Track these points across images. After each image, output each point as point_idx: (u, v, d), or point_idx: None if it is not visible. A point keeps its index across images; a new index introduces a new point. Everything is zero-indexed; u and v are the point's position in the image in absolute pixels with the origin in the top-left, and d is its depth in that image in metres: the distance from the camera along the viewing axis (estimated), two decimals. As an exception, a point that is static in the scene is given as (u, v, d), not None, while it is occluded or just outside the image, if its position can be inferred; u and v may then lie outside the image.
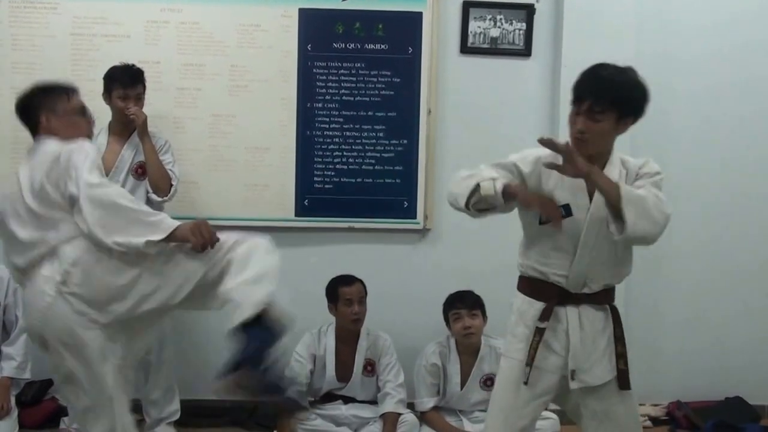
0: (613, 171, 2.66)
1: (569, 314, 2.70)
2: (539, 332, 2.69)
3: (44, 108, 2.81)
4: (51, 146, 2.71)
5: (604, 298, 2.73)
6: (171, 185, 4.04)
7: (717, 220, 4.72)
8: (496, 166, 2.66)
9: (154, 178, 3.98)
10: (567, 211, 2.64)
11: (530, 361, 2.69)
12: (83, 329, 2.62)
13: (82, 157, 2.62)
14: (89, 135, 2.91)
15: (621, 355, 2.72)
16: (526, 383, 2.70)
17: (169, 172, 4.02)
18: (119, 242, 2.55)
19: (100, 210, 2.56)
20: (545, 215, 2.61)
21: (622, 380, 2.71)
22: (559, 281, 2.70)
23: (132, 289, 2.61)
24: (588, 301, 2.70)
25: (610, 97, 2.55)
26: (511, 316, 2.85)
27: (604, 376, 2.70)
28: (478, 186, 2.54)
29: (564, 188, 2.66)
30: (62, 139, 2.73)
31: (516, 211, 2.78)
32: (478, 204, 2.58)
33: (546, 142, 2.51)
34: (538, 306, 2.73)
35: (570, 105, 2.64)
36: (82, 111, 2.88)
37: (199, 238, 2.60)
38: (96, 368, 2.66)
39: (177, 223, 2.64)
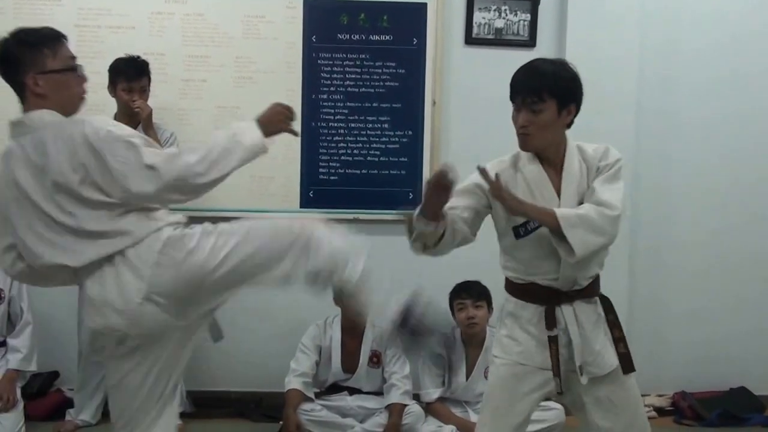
0: (572, 164, 2.64)
1: (565, 313, 2.68)
2: (553, 341, 2.66)
3: (30, 66, 2.38)
4: (60, 125, 2.37)
5: (592, 290, 2.72)
6: None
7: (720, 211, 4.73)
8: (457, 195, 2.62)
9: None
10: (525, 230, 2.63)
11: (556, 371, 2.66)
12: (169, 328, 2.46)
13: (121, 144, 2.32)
14: (82, 96, 2.51)
15: (619, 340, 2.71)
16: (561, 393, 2.69)
17: None
18: (223, 174, 2.48)
19: (182, 181, 2.38)
20: (507, 205, 2.55)
21: (626, 363, 2.70)
22: (550, 283, 2.68)
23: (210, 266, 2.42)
24: (580, 296, 2.69)
25: (546, 86, 2.55)
26: (503, 318, 2.81)
27: (611, 363, 2.69)
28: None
29: (533, 194, 2.65)
30: (54, 104, 2.39)
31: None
32: (415, 240, 2.67)
33: (481, 172, 2.53)
34: (532, 308, 2.71)
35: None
36: (73, 67, 2.47)
37: (281, 117, 2.62)
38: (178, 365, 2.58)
39: (251, 124, 2.58)
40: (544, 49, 4.50)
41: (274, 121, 2.64)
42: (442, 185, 2.46)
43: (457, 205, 2.65)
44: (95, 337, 2.47)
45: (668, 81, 4.64)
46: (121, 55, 4.03)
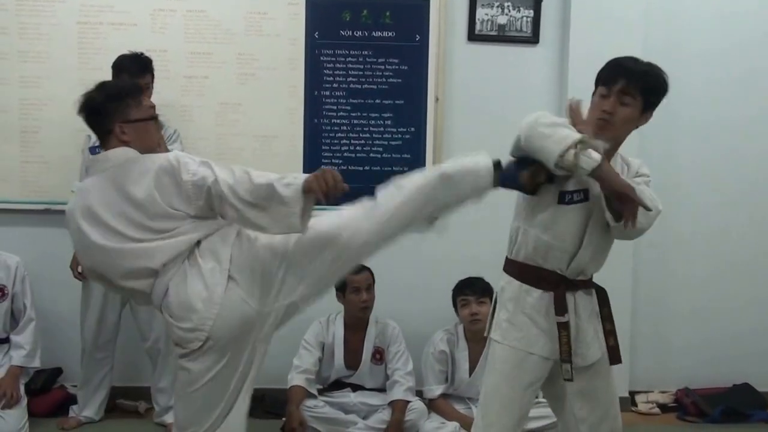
0: (615, 163, 2.65)
1: (568, 301, 2.68)
2: (563, 327, 2.65)
3: (118, 116, 2.63)
4: (140, 161, 2.59)
5: (591, 281, 2.76)
6: None
7: (723, 210, 4.73)
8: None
9: None
10: (586, 196, 2.61)
11: (567, 358, 2.65)
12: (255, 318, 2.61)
13: (193, 171, 2.54)
14: (159, 142, 2.81)
15: (610, 332, 2.73)
16: (570, 380, 2.67)
17: None
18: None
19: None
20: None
21: (614, 355, 2.74)
22: (556, 268, 2.67)
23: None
24: (583, 286, 2.71)
25: (644, 82, 2.57)
26: (503, 302, 2.76)
27: (594, 355, 2.72)
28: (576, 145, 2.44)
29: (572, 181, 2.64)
30: (136, 148, 2.63)
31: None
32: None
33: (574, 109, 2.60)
34: (538, 294, 2.69)
35: (596, 87, 2.63)
36: (154, 115, 2.76)
37: (323, 186, 2.60)
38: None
39: (300, 184, 2.59)
40: (547, 46, 4.51)
41: (314, 186, 2.64)
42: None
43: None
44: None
45: (672, 81, 4.60)
46: (124, 52, 4.01)
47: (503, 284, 2.79)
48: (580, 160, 2.41)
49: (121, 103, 2.63)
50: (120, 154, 2.61)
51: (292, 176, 2.59)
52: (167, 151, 2.80)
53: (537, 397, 2.97)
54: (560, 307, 2.65)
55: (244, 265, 2.56)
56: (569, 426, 2.80)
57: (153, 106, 2.77)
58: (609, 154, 2.57)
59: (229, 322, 2.53)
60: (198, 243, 2.56)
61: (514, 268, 2.76)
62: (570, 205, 2.62)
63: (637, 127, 2.65)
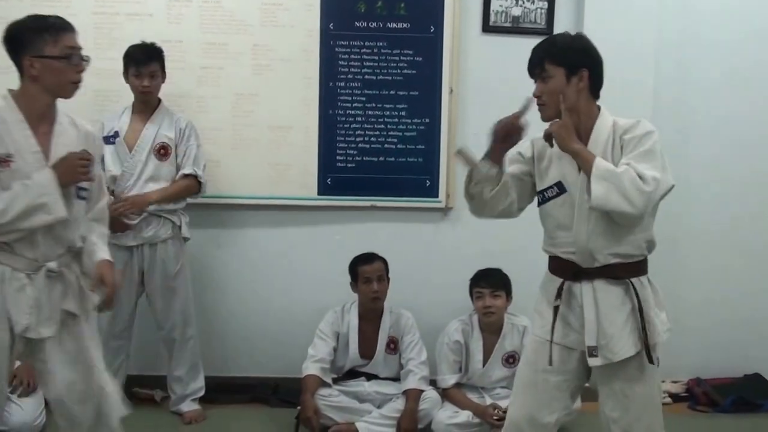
0: (600, 137, 2.67)
1: (584, 290, 2.70)
2: (555, 311, 2.73)
3: (29, 48, 2.60)
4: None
5: (620, 272, 2.69)
6: (199, 186, 4.13)
7: (736, 201, 4.73)
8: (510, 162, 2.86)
9: (182, 197, 4.13)
10: (560, 188, 2.71)
11: (551, 339, 2.73)
12: None
13: None
14: (75, 83, 2.69)
15: (642, 329, 2.68)
16: (550, 364, 2.73)
17: (192, 173, 4.09)
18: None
19: None
20: (503, 130, 2.76)
21: (648, 355, 2.69)
22: (570, 257, 2.71)
23: None
24: (601, 275, 2.69)
25: (547, 55, 2.67)
26: (538, 292, 2.90)
27: (623, 351, 2.66)
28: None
29: (556, 166, 2.73)
30: (45, 86, 2.62)
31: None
32: (475, 184, 2.81)
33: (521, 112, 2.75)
34: (557, 281, 2.77)
35: None
36: (69, 56, 2.64)
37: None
38: None
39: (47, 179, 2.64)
40: (561, 37, 4.49)
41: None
42: (516, 128, 2.71)
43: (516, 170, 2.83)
44: None
45: (686, 72, 4.63)
46: (139, 42, 4.04)
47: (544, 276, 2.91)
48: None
49: (36, 36, 2.59)
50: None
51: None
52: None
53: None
54: (558, 292, 2.74)
55: None
56: (602, 425, 2.80)
57: (74, 47, 2.67)
58: (585, 125, 2.68)
59: None
60: None
61: (548, 260, 2.86)
62: (549, 202, 2.74)
63: (582, 89, 2.65)
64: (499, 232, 4.42)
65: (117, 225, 3.87)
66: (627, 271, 2.71)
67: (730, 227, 4.73)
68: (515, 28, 4.51)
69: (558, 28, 4.50)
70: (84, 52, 2.70)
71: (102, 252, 2.84)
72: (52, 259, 2.70)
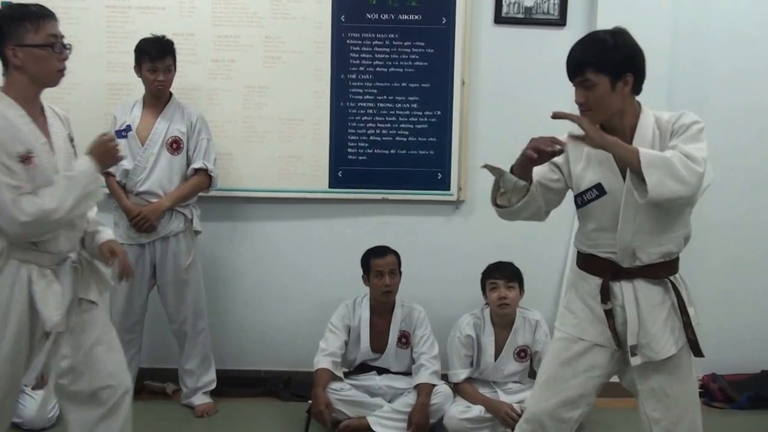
0: (645, 133, 2.63)
1: (624, 289, 2.67)
2: (609, 314, 2.67)
3: (11, 38, 2.56)
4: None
5: (661, 271, 2.67)
6: (210, 181, 4.13)
7: (751, 194, 4.68)
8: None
9: (194, 194, 4.15)
10: (600, 190, 2.64)
11: (618, 343, 2.68)
12: None
13: None
14: (60, 71, 2.66)
15: (687, 325, 2.67)
16: (630, 364, 2.68)
17: (203, 166, 4.09)
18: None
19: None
20: (538, 149, 2.55)
21: (694, 349, 2.68)
22: (610, 257, 2.68)
23: None
24: (642, 274, 2.66)
25: (591, 63, 2.55)
26: (567, 289, 2.86)
27: (665, 350, 2.64)
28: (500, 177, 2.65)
29: (594, 168, 2.66)
30: (30, 75, 2.59)
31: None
32: (501, 194, 2.69)
33: (559, 115, 2.54)
34: (593, 281, 2.72)
35: None
36: (52, 44, 2.60)
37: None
38: None
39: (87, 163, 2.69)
40: (574, 29, 4.44)
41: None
42: (549, 153, 2.52)
43: (544, 178, 2.72)
44: None
45: (701, 63, 4.58)
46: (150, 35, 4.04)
47: (569, 273, 2.88)
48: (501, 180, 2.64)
49: (17, 25, 2.56)
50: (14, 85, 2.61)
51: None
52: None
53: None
54: (605, 295, 2.67)
55: None
56: (643, 425, 2.76)
57: (56, 35, 2.63)
58: (628, 124, 2.62)
59: None
60: None
61: (577, 257, 2.82)
62: (589, 205, 2.68)
63: (626, 94, 2.60)
64: (511, 225, 4.37)
65: (140, 229, 3.99)
66: (666, 270, 2.69)
67: (746, 221, 4.68)
68: (528, 20, 4.48)
69: (571, 19, 4.47)
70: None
71: (105, 233, 2.85)
72: (73, 250, 2.71)
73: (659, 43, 4.39)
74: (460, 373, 4.10)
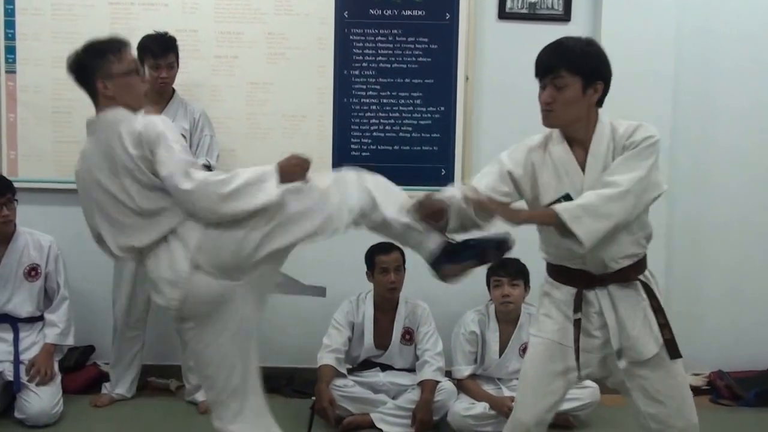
0: (600, 143, 2.61)
1: (599, 296, 2.67)
2: (576, 324, 2.68)
3: (99, 73, 2.68)
4: (124, 122, 2.63)
5: (632, 272, 2.68)
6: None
7: (758, 191, 4.66)
8: (485, 175, 2.75)
9: None
10: (567, 199, 2.61)
11: (577, 355, 2.68)
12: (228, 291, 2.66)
13: (168, 153, 2.58)
14: (144, 93, 2.83)
15: (664, 326, 2.66)
16: (580, 377, 2.73)
17: (206, 163, 4.05)
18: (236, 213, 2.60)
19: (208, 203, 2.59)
20: (504, 219, 2.57)
21: (671, 350, 2.66)
22: (580, 266, 2.67)
23: (249, 244, 2.64)
24: (614, 280, 2.67)
25: (570, 63, 2.55)
26: (541, 298, 2.85)
27: (649, 349, 2.65)
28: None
29: (560, 177, 2.64)
30: (122, 103, 2.68)
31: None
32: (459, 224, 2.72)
33: (473, 202, 2.60)
34: (566, 290, 2.72)
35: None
36: (136, 69, 2.78)
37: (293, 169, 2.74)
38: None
39: (271, 168, 2.69)
40: (578, 24, 4.44)
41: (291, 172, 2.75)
42: (434, 213, 2.63)
43: (493, 191, 2.69)
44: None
45: (706, 60, 4.55)
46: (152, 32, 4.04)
47: (543, 281, 2.86)
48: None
49: (102, 60, 2.68)
50: (110, 117, 2.66)
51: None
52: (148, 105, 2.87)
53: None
54: (577, 305, 2.69)
55: (212, 251, 2.60)
56: (638, 419, 2.76)
57: (134, 60, 2.80)
58: (584, 133, 2.61)
59: (197, 300, 2.62)
60: (175, 229, 2.62)
61: (547, 266, 2.83)
62: None
63: (592, 102, 2.59)
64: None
65: None
66: (635, 271, 2.70)
67: (753, 218, 4.66)
68: (532, 15, 4.46)
69: (576, 15, 4.46)
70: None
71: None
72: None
73: (665, 38, 4.39)
74: (464, 370, 4.09)
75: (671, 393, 2.69)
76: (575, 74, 2.54)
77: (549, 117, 2.61)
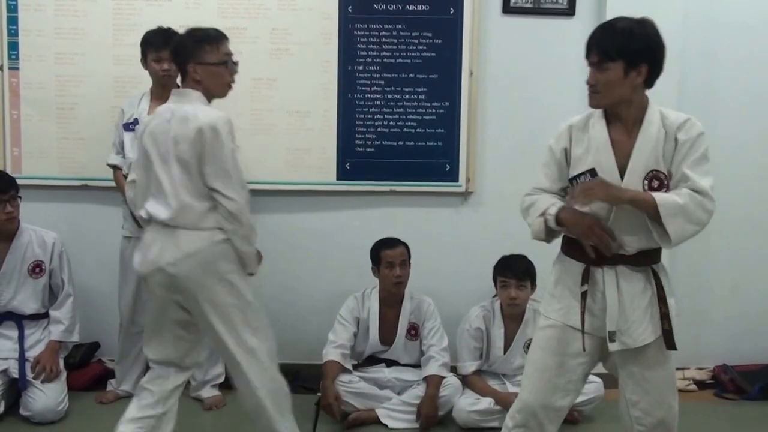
0: (650, 127, 2.64)
1: (606, 275, 2.69)
2: (583, 297, 2.71)
3: (193, 58, 3.05)
4: (197, 113, 3.00)
5: (643, 259, 2.70)
6: None
7: (763, 185, 4.65)
8: (544, 168, 2.82)
9: None
10: (593, 175, 2.66)
11: (582, 327, 2.70)
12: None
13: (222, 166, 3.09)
14: (229, 84, 3.17)
15: (665, 316, 2.69)
16: (584, 350, 2.73)
17: None
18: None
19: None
20: (597, 245, 2.65)
21: (668, 341, 2.69)
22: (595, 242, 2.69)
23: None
24: (625, 262, 2.68)
25: (611, 46, 2.57)
26: (551, 276, 2.88)
27: (644, 338, 2.68)
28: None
29: (592, 153, 2.68)
30: (205, 89, 3.07)
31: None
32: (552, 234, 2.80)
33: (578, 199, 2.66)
34: (576, 266, 2.74)
35: None
36: (226, 63, 3.11)
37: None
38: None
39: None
40: (583, 18, 4.43)
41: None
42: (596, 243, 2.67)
43: (548, 207, 2.75)
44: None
45: (711, 53, 4.54)
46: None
47: (556, 258, 2.88)
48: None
49: (198, 46, 3.05)
50: (193, 96, 3.07)
51: None
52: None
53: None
54: (584, 277, 2.72)
55: (191, 273, 3.09)
56: (623, 407, 2.81)
57: (229, 54, 3.14)
58: (635, 116, 2.66)
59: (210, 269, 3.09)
60: (185, 227, 3.06)
61: (562, 242, 2.84)
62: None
63: (637, 84, 2.61)
64: (520, 216, 4.38)
65: None
66: (649, 258, 2.72)
67: (758, 212, 4.65)
68: (536, 9, 4.45)
69: (580, 9, 4.45)
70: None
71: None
72: None
73: (670, 31, 4.24)
74: (469, 366, 4.09)
75: (658, 384, 2.73)
76: (617, 57, 2.56)
77: (593, 98, 2.66)
